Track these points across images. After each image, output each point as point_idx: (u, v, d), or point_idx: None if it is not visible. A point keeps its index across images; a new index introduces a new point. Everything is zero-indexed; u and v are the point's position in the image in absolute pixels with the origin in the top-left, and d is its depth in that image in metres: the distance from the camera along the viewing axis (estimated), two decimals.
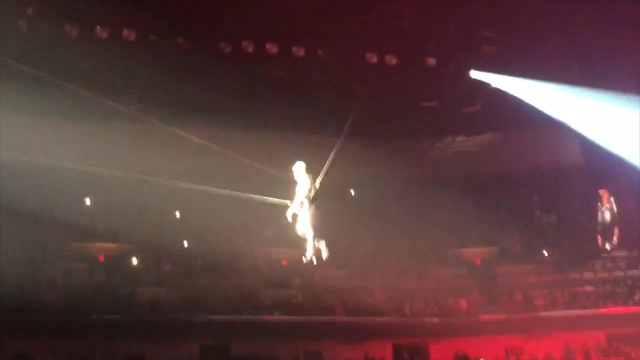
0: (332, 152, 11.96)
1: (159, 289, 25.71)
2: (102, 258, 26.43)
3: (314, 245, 11.44)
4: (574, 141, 26.68)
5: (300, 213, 11.41)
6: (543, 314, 26.84)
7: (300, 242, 11.95)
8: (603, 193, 26.08)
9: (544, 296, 27.47)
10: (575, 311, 26.50)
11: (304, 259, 11.41)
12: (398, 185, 30.43)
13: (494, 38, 22.46)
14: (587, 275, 28.31)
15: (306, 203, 11.45)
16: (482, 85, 23.80)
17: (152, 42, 21.20)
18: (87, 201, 27.34)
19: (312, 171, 12.04)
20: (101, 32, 20.68)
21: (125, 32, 20.82)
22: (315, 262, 11.35)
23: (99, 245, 26.61)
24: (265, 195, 12.14)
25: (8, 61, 13.88)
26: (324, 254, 11.45)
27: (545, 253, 29.32)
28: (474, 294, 28.22)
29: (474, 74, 23.57)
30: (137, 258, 26.39)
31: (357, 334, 26.06)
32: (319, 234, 11.51)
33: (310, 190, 11.63)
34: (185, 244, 27.66)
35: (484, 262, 29.72)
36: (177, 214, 28.07)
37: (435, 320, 26.95)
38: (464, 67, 23.41)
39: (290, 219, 11.53)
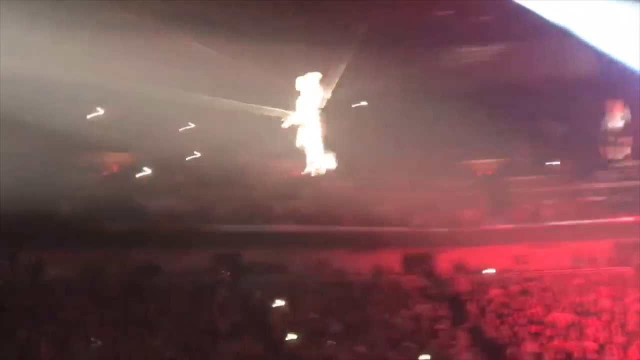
0: (343, 63, 11.89)
1: (171, 199, 25.97)
2: (115, 168, 26.63)
3: (322, 156, 11.46)
4: (586, 51, 26.30)
5: (305, 124, 11.42)
6: (552, 223, 27.01)
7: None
8: (615, 103, 26.02)
9: (553, 206, 27.60)
10: (584, 220, 26.66)
11: (309, 170, 11.45)
12: (410, 96, 30.18)
13: None
14: (597, 185, 28.34)
15: (316, 114, 11.45)
16: None
17: None
18: (100, 112, 27.33)
19: (324, 82, 11.99)
20: None
21: None
22: (321, 173, 11.39)
23: (112, 155, 26.78)
24: (277, 108, 12.13)
25: None
26: (331, 166, 11.49)
27: (556, 163, 29.28)
28: (483, 205, 28.39)
29: None
30: (150, 168, 26.56)
31: (366, 244, 26.36)
32: (327, 145, 11.53)
33: (321, 101, 11.61)
34: (197, 154, 27.78)
35: (493, 173, 29.77)
36: (190, 124, 28.05)
37: (444, 229, 27.18)
38: None
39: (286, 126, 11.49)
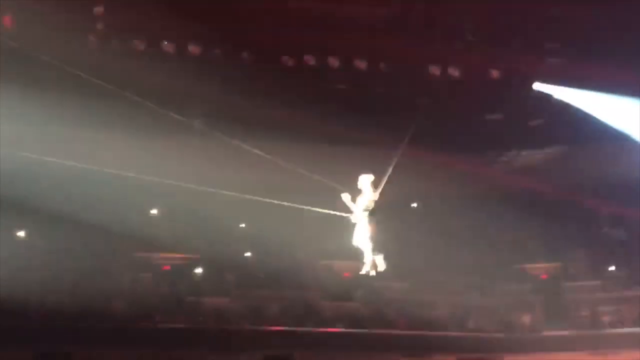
0: (392, 164, 12.05)
1: (223, 298, 26.05)
2: (167, 267, 26.92)
3: (372, 257, 11.52)
4: None
5: (358, 225, 11.52)
6: (610, 330, 26.30)
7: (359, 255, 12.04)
8: None
9: (611, 312, 26.94)
10: None
11: (361, 272, 11.52)
12: (462, 199, 30.23)
13: (558, 50, 22.22)
14: None
15: (365, 215, 11.56)
16: (546, 98, 23.54)
17: (217, 56, 21.59)
18: (154, 212, 27.92)
19: (375, 183, 12.13)
20: (168, 46, 21.16)
21: (191, 47, 21.26)
22: (372, 274, 11.44)
23: (164, 255, 27.13)
24: (327, 209, 12.27)
25: (78, 75, 14.33)
26: (381, 267, 11.53)
27: (613, 269, 28.74)
28: (539, 310, 27.84)
29: (538, 86, 23.34)
30: (202, 268, 26.80)
31: (420, 348, 25.88)
32: (377, 246, 11.59)
33: (369, 202, 11.72)
34: (248, 254, 28.00)
35: (550, 278, 29.30)
36: (242, 225, 28.46)
37: (500, 335, 26.62)
38: (528, 80, 23.20)
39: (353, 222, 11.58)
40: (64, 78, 16.66)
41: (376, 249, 11.64)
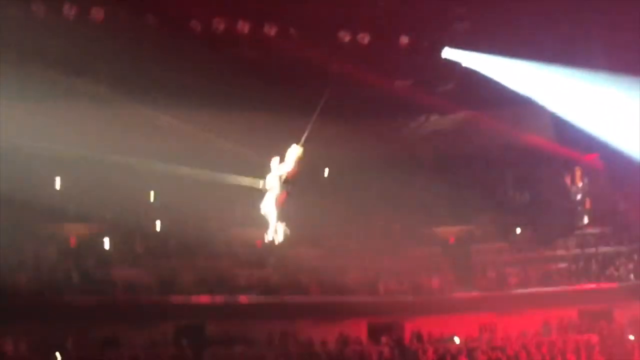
0: (305, 132, 11.91)
1: (133, 270, 25.56)
2: (73, 240, 26.19)
3: (276, 225, 11.40)
4: (546, 119, 26.83)
5: (270, 192, 11.37)
6: (516, 291, 27.03)
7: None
8: (575, 170, 26.34)
9: (517, 274, 27.68)
10: (548, 288, 26.72)
11: (265, 240, 11.40)
12: (372, 164, 30.42)
13: (466, 15, 22.41)
14: (560, 252, 28.53)
15: (277, 184, 11.40)
16: (454, 64, 23.77)
17: (121, 21, 20.87)
18: (58, 182, 27.05)
19: (286, 151, 11.98)
20: (69, 10, 20.30)
21: (93, 11, 20.46)
22: (276, 242, 11.34)
23: (70, 226, 26.37)
24: (238, 176, 12.06)
25: None
26: (282, 236, 11.42)
27: (519, 231, 29.48)
28: (448, 273, 28.38)
29: (447, 52, 23.53)
30: (110, 239, 26.19)
31: (332, 313, 26.11)
32: (282, 214, 11.46)
33: (287, 172, 11.56)
34: (159, 224, 27.52)
35: (458, 241, 29.86)
36: (151, 194, 27.91)
37: (409, 298, 27.05)
38: (437, 45, 23.36)
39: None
40: None
41: (281, 217, 11.49)
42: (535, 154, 29.18)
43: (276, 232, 11.38)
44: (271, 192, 11.59)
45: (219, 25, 21.49)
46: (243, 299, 25.67)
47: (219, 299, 25.33)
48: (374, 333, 26.62)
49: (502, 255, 28.84)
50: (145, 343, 23.92)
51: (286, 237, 11.41)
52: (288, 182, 11.40)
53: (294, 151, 11.58)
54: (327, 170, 31.42)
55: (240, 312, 25.23)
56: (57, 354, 22.32)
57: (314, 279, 26.88)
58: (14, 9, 19.80)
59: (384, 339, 26.07)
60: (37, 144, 11.77)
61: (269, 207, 11.35)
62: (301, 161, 11.50)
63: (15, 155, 20.72)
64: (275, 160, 11.60)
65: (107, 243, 26.13)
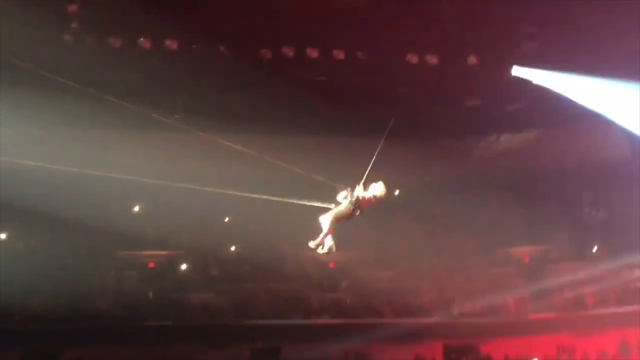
0: (374, 155, 12.03)
1: (209, 294, 25.99)
2: (151, 265, 26.84)
3: (329, 238, 11.43)
4: (620, 135, 26.31)
5: (338, 207, 11.47)
6: (594, 311, 26.50)
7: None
8: None
9: (595, 293, 27.13)
10: (626, 307, 26.12)
11: (310, 247, 11.45)
12: (444, 185, 30.33)
13: (535, 34, 22.25)
14: (638, 271, 27.86)
15: (347, 202, 11.50)
16: (524, 82, 23.60)
17: (194, 51, 21.45)
18: (136, 210, 27.79)
19: (356, 174, 12.12)
20: (144, 42, 20.98)
21: (167, 42, 21.10)
22: (321, 252, 11.38)
23: (147, 252, 27.04)
24: (310, 200, 12.24)
25: (55, 76, 14.21)
26: (327, 249, 11.44)
27: (595, 250, 28.93)
28: (523, 293, 28.00)
29: (516, 71, 23.40)
30: (186, 264, 26.73)
31: (407, 335, 26.00)
32: (337, 230, 11.51)
33: (359, 193, 11.66)
34: (232, 248, 27.96)
35: (533, 260, 29.47)
36: (226, 219, 28.40)
37: (485, 319, 26.77)
38: (506, 64, 23.24)
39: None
40: (40, 79, 16.50)
41: (334, 232, 11.52)
42: (611, 171, 28.66)
43: (323, 244, 11.45)
44: (338, 206, 11.69)
45: (288, 52, 21.88)
46: (317, 321, 25.79)
47: (293, 321, 25.51)
48: (450, 355, 26.41)
49: (579, 274, 28.33)
50: None
51: (330, 253, 11.47)
52: (358, 207, 11.49)
53: (378, 188, 11.65)
54: (397, 191, 31.45)
55: (315, 335, 25.34)
56: None
57: (387, 301, 26.87)
58: (91, 40, 20.60)
59: None
60: (116, 174, 12.21)
61: (327, 219, 11.44)
62: (380, 199, 11.58)
63: (95, 184, 21.40)
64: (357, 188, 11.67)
65: (183, 268, 26.69)
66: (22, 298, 23.55)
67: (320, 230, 11.44)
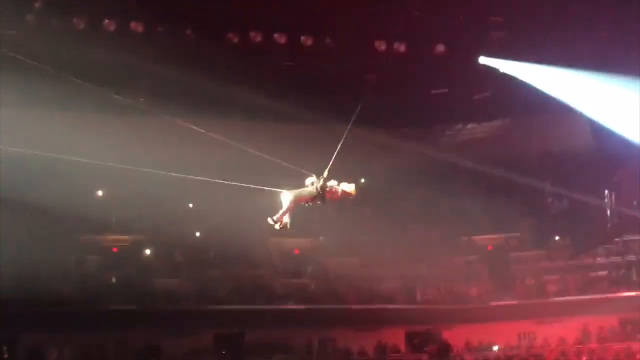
0: (341, 141, 11.97)
1: (173, 279, 25.86)
2: (115, 250, 26.61)
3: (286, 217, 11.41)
4: (584, 126, 26.58)
5: (302, 189, 11.44)
6: (556, 299, 26.80)
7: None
8: (615, 177, 25.93)
9: (556, 281, 27.44)
10: (588, 296, 26.44)
11: (269, 220, 11.41)
12: (409, 173, 30.41)
13: (502, 23, 22.32)
14: (600, 260, 28.23)
15: (313, 188, 11.46)
16: (491, 72, 23.69)
17: (160, 34, 21.17)
18: (99, 194, 27.51)
19: (322, 161, 12.06)
20: (109, 24, 20.66)
21: (132, 25, 20.79)
22: (276, 227, 11.36)
23: (111, 237, 26.80)
24: (275, 186, 12.16)
25: (17, 56, 13.95)
26: (280, 226, 11.44)
27: (558, 238, 29.23)
28: (486, 280, 28.25)
29: (483, 60, 23.47)
30: (150, 249, 26.54)
31: (370, 322, 26.13)
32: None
33: (319, 181, 11.59)
34: (198, 234, 27.81)
35: (496, 249, 29.72)
36: (190, 205, 28.23)
37: (448, 306, 26.96)
38: (473, 54, 23.30)
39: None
40: (3, 59, 16.21)
41: (291, 212, 11.48)
42: (574, 161, 28.94)
43: (281, 221, 11.39)
44: (303, 189, 11.63)
45: (256, 37, 21.71)
46: (281, 307, 25.78)
47: (257, 307, 25.46)
48: (412, 341, 26.59)
49: (541, 263, 28.64)
50: (186, 351, 24.18)
51: (285, 229, 11.45)
52: (321, 196, 11.43)
53: (349, 187, 11.60)
54: (362, 179, 31.46)
55: (279, 321, 25.36)
56: None
57: (352, 288, 26.94)
58: (56, 21, 20.22)
59: (422, 348, 26.04)
60: (78, 156, 12.00)
61: (289, 197, 11.38)
62: (345, 197, 11.54)
63: (57, 167, 21.14)
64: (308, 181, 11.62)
65: (148, 253, 26.51)
66: None
67: (280, 207, 11.39)
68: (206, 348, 24.70)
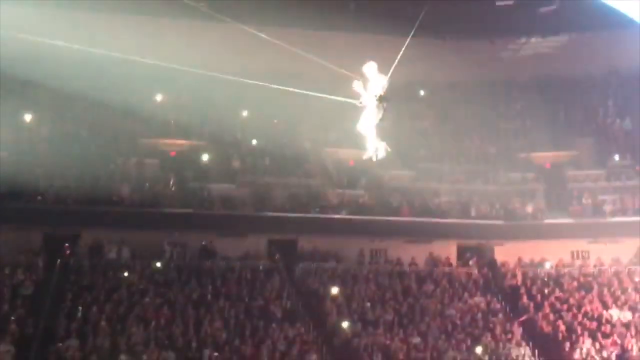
0: (401, 51, 11.79)
1: (229, 185, 26.20)
2: (173, 154, 26.97)
3: (375, 143, 11.29)
4: None
5: (366, 110, 11.31)
6: (611, 219, 26.51)
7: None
8: None
9: (613, 201, 27.09)
10: None
11: (364, 157, 11.31)
12: (469, 86, 30.01)
13: None
14: None
15: (373, 102, 11.32)
16: None
17: None
18: (158, 97, 27.75)
19: (382, 71, 11.93)
20: None
21: None
22: (374, 160, 11.25)
23: (170, 141, 27.16)
24: (334, 95, 12.10)
25: None
26: (383, 154, 11.28)
27: (617, 158, 28.69)
28: (542, 198, 28.03)
29: None
30: (208, 154, 26.82)
31: (422, 234, 26.24)
32: (380, 132, 11.35)
33: (378, 89, 11.47)
34: (255, 141, 28.01)
35: (554, 166, 29.37)
36: (245, 112, 28.33)
37: (500, 222, 26.90)
38: None
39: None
40: None
41: (379, 136, 11.39)
42: (638, 79, 28.13)
43: (377, 149, 11.31)
44: (368, 110, 11.51)
45: None
46: (334, 216, 25.99)
47: (311, 215, 25.74)
48: (464, 255, 26.71)
49: (599, 182, 28.24)
50: (240, 254, 24.70)
51: (388, 155, 11.34)
52: (382, 99, 11.30)
53: (370, 67, 11.40)
54: (422, 91, 31.16)
55: (332, 230, 25.62)
56: (157, 262, 23.32)
57: (405, 200, 26.99)
58: None
59: (473, 261, 26.17)
60: (138, 58, 12.05)
61: (367, 125, 11.27)
62: (388, 76, 11.35)
63: (120, 68, 21.31)
64: (359, 83, 11.47)
65: (205, 158, 26.82)
66: (45, 180, 23.85)
67: (363, 139, 11.28)
68: (260, 253, 25.15)
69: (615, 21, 23.94)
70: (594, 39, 28.07)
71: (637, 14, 23.10)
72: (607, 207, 26.72)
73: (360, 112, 11.71)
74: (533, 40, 29.26)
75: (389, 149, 11.10)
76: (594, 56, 28.82)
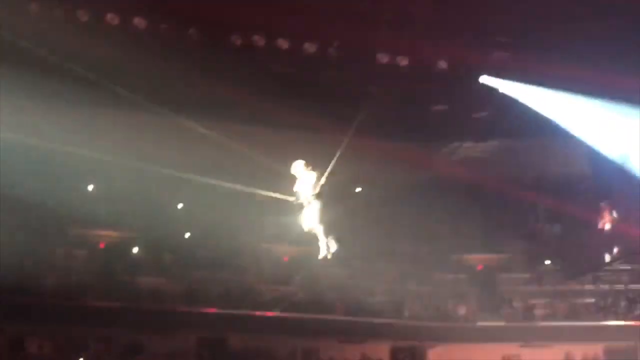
0: (339, 150, 11.91)
1: (159, 278, 25.71)
2: (102, 245, 26.43)
3: (326, 240, 11.30)
4: (581, 151, 26.57)
5: (307, 208, 11.32)
6: (542, 323, 26.74)
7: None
8: (607, 205, 25.97)
9: (544, 306, 27.38)
10: (574, 322, 26.37)
11: (319, 257, 11.27)
12: (404, 187, 30.34)
13: (506, 44, 22.33)
14: (589, 287, 28.14)
15: (311, 200, 11.36)
16: (491, 91, 23.68)
17: (163, 32, 21.10)
18: (90, 187, 27.35)
19: (319, 168, 11.98)
20: (112, 18, 20.59)
21: (136, 20, 20.71)
22: (328, 257, 11.23)
23: (99, 232, 26.63)
24: (270, 191, 12.07)
25: (18, 44, 13.85)
26: (333, 249, 11.31)
27: (548, 263, 29.17)
28: (474, 300, 28.15)
29: (485, 79, 23.45)
30: (138, 247, 26.38)
31: (356, 334, 26.00)
32: (327, 229, 11.39)
33: (315, 187, 11.53)
34: (187, 235, 27.68)
35: (486, 269, 29.65)
36: (179, 205, 28.10)
37: (434, 323, 26.86)
38: (475, 72, 23.29)
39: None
40: (3, 47, 16.09)
41: (326, 232, 11.43)
42: (569, 186, 28.90)
43: (328, 246, 11.30)
44: (309, 207, 11.51)
45: (259, 41, 21.67)
46: (267, 313, 25.63)
47: (243, 312, 25.32)
48: (397, 356, 26.47)
49: (530, 286, 28.57)
50: (168, 352, 24.03)
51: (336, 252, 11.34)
52: (318, 197, 11.36)
53: (299, 166, 11.50)
54: (358, 189, 31.39)
55: (264, 327, 25.21)
56: (81, 358, 22.51)
57: (340, 299, 26.82)
58: (59, 12, 20.12)
59: None
60: (71, 149, 11.86)
61: (312, 222, 11.28)
62: (325, 174, 11.44)
63: (49, 158, 20.99)
64: (296, 169, 11.48)
65: (135, 250, 26.35)
66: None
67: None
68: (188, 350, 24.52)
69: (546, 128, 24.68)
70: (525, 145, 28.86)
71: (566, 123, 23.98)
72: (538, 311, 26.98)
73: (297, 209, 11.69)
74: (466, 144, 29.98)
75: (336, 246, 11.18)
76: (524, 161, 29.58)
